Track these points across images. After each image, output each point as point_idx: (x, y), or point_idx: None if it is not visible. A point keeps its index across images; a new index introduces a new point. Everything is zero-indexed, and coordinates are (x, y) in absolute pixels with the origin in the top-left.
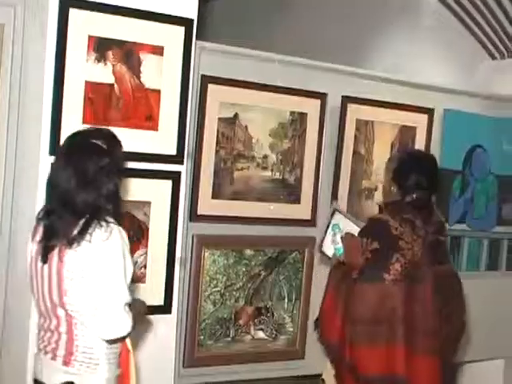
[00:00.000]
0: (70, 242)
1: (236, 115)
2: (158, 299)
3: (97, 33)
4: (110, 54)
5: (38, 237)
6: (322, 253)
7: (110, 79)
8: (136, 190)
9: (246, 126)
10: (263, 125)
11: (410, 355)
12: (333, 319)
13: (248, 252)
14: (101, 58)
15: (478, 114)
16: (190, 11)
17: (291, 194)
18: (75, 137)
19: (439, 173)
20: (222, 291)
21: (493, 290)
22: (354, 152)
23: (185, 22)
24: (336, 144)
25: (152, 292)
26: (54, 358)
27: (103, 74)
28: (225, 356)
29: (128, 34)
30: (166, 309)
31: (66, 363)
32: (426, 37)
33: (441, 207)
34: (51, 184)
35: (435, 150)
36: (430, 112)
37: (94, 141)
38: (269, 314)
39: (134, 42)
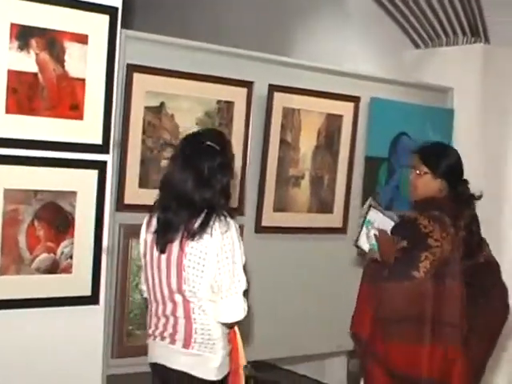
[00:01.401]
0: (192, 235)
1: (162, 104)
2: (85, 290)
3: (20, 20)
4: (33, 42)
5: (153, 228)
6: (358, 247)
7: (34, 68)
8: (62, 179)
9: (173, 115)
10: (190, 114)
11: (439, 352)
12: (364, 315)
13: None
14: (24, 46)
15: (403, 102)
16: None
17: None
18: (190, 140)
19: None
20: None
21: None
22: (281, 140)
23: (109, 10)
24: (263, 132)
25: (79, 282)
26: (172, 342)
27: (26, 62)
28: None
29: (52, 22)
30: (93, 299)
31: (186, 346)
32: (351, 26)
33: (368, 194)
34: (168, 184)
35: (361, 138)
36: (356, 100)
37: (208, 143)
38: None
39: (58, 30)
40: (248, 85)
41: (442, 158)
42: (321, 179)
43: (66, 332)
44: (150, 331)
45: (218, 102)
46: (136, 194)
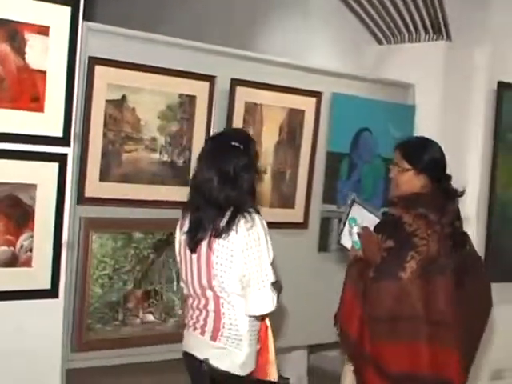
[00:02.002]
0: (219, 233)
1: (124, 97)
2: (44, 283)
3: None
4: None
5: (185, 228)
6: (341, 245)
7: None
8: (22, 172)
9: (134, 108)
10: (152, 107)
11: (434, 351)
12: (352, 315)
13: (137, 235)
14: None
15: (365, 98)
16: None
17: (180, 176)
18: (215, 140)
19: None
20: (111, 274)
21: None
22: None
23: (71, 2)
24: (225, 127)
25: (38, 276)
26: (202, 333)
27: None
28: (114, 340)
29: (13, 13)
30: (53, 293)
31: (213, 338)
32: (315, 21)
33: (329, 189)
34: (196, 184)
35: (323, 133)
36: (318, 95)
37: (233, 143)
38: (158, 297)
39: (19, 22)
40: (210, 79)
41: (424, 153)
42: (283, 174)
43: (25, 326)
44: (186, 321)
45: (180, 95)
46: (97, 187)
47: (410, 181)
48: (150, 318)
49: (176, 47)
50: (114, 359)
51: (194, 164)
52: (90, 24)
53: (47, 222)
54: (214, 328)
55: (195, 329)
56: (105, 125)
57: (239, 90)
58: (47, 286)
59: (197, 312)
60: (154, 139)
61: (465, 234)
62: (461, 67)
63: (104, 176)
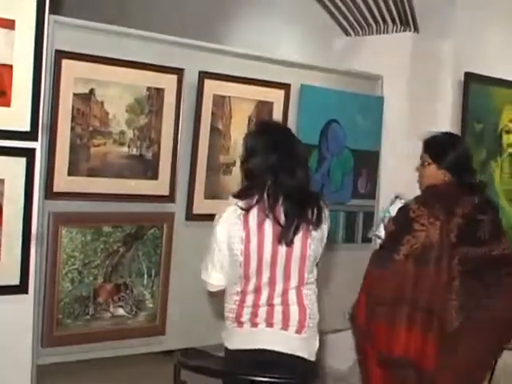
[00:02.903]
0: (315, 225)
1: (92, 91)
2: (13, 279)
3: None
4: None
5: (255, 223)
6: (376, 235)
7: None
8: None
9: (102, 102)
10: (119, 100)
11: (412, 334)
12: (360, 298)
13: (106, 229)
14: None
15: (333, 90)
16: None
17: (149, 169)
18: (288, 132)
19: None
20: (80, 269)
21: (350, 262)
22: (212, 127)
23: None
24: (193, 119)
25: (7, 271)
26: (284, 328)
27: None
28: (84, 334)
29: None
30: (22, 288)
31: (298, 331)
32: (282, 13)
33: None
34: (280, 177)
35: (292, 125)
36: (286, 87)
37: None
38: (128, 291)
39: None
40: (178, 72)
41: (447, 150)
42: None
43: None
44: (243, 319)
45: (148, 88)
46: (65, 181)
47: (432, 175)
48: (121, 311)
49: (143, 40)
50: (85, 354)
51: (163, 157)
52: (57, 17)
53: (15, 217)
54: (299, 321)
55: (269, 325)
56: (72, 119)
57: (207, 82)
58: (16, 281)
59: (264, 308)
60: (122, 133)
61: (499, 231)
62: (428, 58)
63: (72, 170)
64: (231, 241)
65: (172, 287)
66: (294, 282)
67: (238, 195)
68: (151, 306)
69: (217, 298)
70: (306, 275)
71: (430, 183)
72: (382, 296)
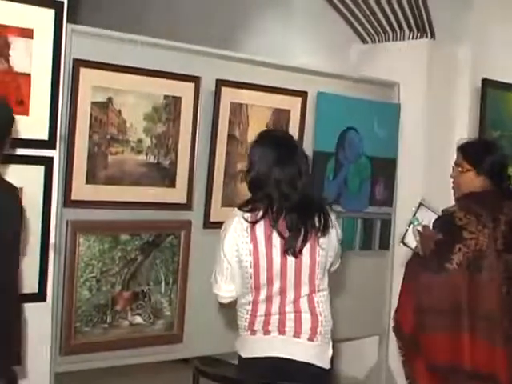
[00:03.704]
0: (322, 232)
1: (109, 99)
2: (32, 287)
3: None
4: None
5: (261, 234)
6: (405, 244)
7: None
8: (8, 176)
9: (120, 110)
10: (137, 109)
11: (474, 344)
12: (407, 309)
13: (123, 237)
14: None
15: (350, 97)
16: None
17: (166, 177)
18: (290, 142)
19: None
20: (98, 277)
21: (367, 269)
22: (229, 135)
23: (55, 4)
24: (211, 127)
25: (26, 280)
26: (297, 335)
27: None
28: (102, 342)
29: None
30: (40, 296)
31: (311, 339)
32: (298, 20)
33: (316, 189)
34: (284, 189)
35: (309, 133)
36: (303, 95)
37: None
38: (146, 299)
39: (2, 25)
40: (195, 80)
41: (486, 155)
42: None
43: None
44: (256, 328)
45: (166, 97)
46: (83, 189)
47: (470, 181)
48: (139, 319)
49: (161, 48)
50: (103, 362)
51: (180, 165)
52: (74, 26)
53: (34, 225)
54: (311, 328)
55: (281, 332)
56: (90, 127)
57: (224, 90)
58: (35, 289)
59: (276, 316)
60: (139, 141)
61: None
62: (445, 65)
63: (90, 178)
64: (240, 253)
65: (189, 295)
66: (305, 290)
67: (244, 207)
68: (169, 313)
69: (230, 308)
70: (316, 282)
71: (468, 190)
72: (437, 304)
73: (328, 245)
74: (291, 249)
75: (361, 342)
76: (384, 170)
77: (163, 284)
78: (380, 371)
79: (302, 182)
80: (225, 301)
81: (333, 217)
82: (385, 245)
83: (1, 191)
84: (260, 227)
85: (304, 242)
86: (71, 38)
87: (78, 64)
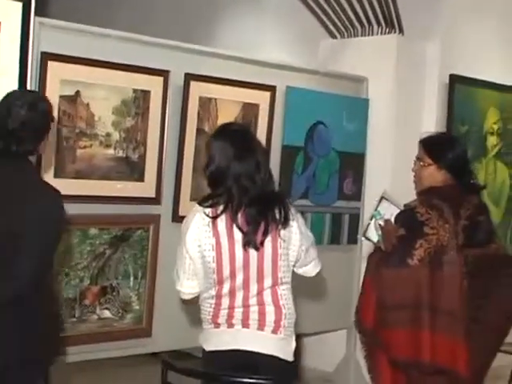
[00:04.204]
0: (284, 224)
1: (78, 93)
2: None
3: None
4: None
5: (223, 229)
6: (367, 238)
7: None
8: None
9: (88, 104)
10: (106, 102)
11: (435, 339)
12: (368, 304)
13: (92, 231)
14: None
15: (319, 92)
16: None
17: (135, 171)
18: (245, 134)
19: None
20: (67, 271)
21: (335, 263)
22: (198, 129)
23: None
24: (179, 121)
25: None
26: (260, 328)
27: None
28: (71, 337)
29: None
30: None
31: (275, 331)
32: (268, 15)
33: (284, 183)
34: (243, 183)
35: (278, 127)
36: (272, 89)
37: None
38: (114, 293)
39: None
40: (164, 73)
41: (447, 150)
42: None
43: None
44: (220, 321)
45: (135, 90)
46: (51, 183)
47: (431, 176)
48: (107, 314)
49: (130, 42)
50: (72, 356)
51: (149, 159)
52: (42, 19)
53: None
54: (275, 321)
55: (245, 325)
56: (59, 121)
57: (193, 84)
58: None
59: (240, 309)
60: (108, 135)
61: (492, 231)
62: (413, 60)
63: (58, 172)
64: (202, 248)
65: (158, 289)
66: (268, 283)
67: (204, 203)
68: (137, 308)
69: (192, 304)
70: (279, 274)
71: (430, 184)
72: (398, 300)
73: (289, 237)
74: (251, 242)
75: (329, 336)
76: (352, 165)
77: (132, 278)
78: (348, 365)
79: (260, 175)
80: (187, 297)
81: (293, 210)
82: (353, 239)
83: (46, 194)
84: (221, 222)
85: (265, 234)
86: (39, 31)
87: (46, 57)
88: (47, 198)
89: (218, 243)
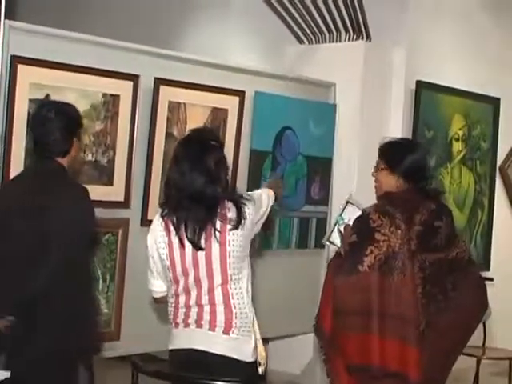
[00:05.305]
0: (235, 222)
1: (47, 96)
2: None
3: None
4: None
5: (173, 230)
6: (331, 242)
7: None
8: None
9: None
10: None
11: (384, 344)
12: (326, 309)
13: None
14: None
15: (287, 97)
16: None
17: (104, 175)
18: (195, 140)
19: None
20: None
21: (302, 267)
22: (167, 134)
23: None
24: (149, 126)
25: None
26: (211, 328)
27: None
28: None
29: None
30: None
31: (226, 332)
32: (236, 20)
33: (253, 187)
34: (179, 185)
35: (246, 132)
36: (240, 94)
37: (212, 142)
38: None
39: None
40: (134, 78)
41: (402, 155)
42: None
43: None
44: (178, 320)
45: (104, 95)
46: None
47: (386, 181)
48: None
49: (100, 46)
50: None
51: (118, 163)
52: (12, 22)
53: None
54: (225, 321)
55: (199, 326)
56: (28, 125)
57: (163, 89)
58: None
59: (195, 309)
60: None
61: (454, 235)
62: (380, 67)
63: None
64: (158, 246)
65: (127, 293)
66: (217, 280)
67: (163, 204)
68: (106, 311)
69: (163, 303)
70: (229, 272)
71: (385, 189)
72: (350, 306)
73: (244, 235)
74: (193, 243)
75: (296, 339)
76: (320, 169)
77: (100, 282)
78: (315, 367)
79: (209, 179)
80: (156, 295)
81: (251, 207)
82: (320, 243)
83: (77, 193)
84: (172, 221)
85: (209, 235)
86: (9, 34)
87: (16, 60)
88: (76, 200)
89: (170, 241)
